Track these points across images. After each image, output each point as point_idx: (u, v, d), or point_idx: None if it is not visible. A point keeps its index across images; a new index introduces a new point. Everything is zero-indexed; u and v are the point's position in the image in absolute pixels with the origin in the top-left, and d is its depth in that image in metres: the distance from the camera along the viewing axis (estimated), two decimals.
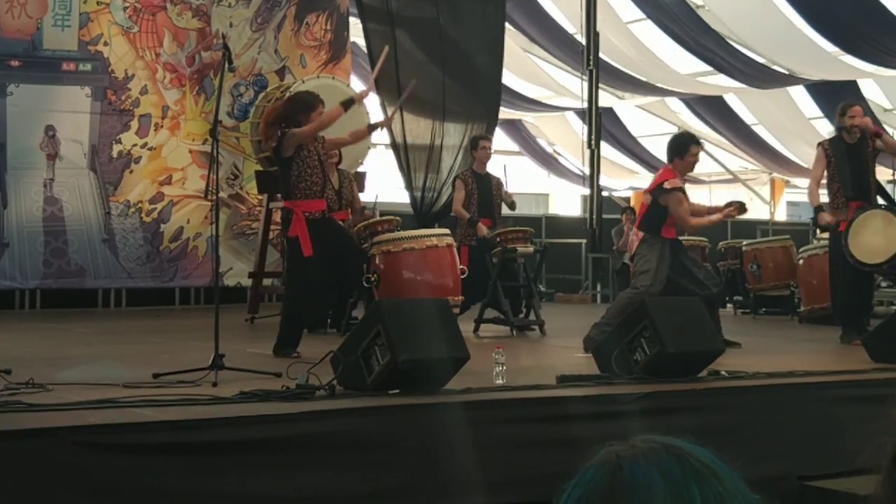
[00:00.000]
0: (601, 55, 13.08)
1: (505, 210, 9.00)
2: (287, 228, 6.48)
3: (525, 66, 17.08)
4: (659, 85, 16.42)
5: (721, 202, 20.26)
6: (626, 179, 21.06)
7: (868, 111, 11.85)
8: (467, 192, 8.73)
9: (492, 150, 9.11)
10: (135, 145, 10.73)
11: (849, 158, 7.55)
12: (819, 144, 7.87)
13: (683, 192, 7.08)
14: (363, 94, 7.11)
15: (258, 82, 11.38)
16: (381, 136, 10.57)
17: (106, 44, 10.62)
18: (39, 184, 10.28)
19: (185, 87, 11.03)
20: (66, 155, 10.39)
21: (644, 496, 1.02)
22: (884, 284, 9.76)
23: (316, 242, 6.30)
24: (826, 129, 16.41)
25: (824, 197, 7.81)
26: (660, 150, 19.74)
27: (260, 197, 10.89)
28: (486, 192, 8.77)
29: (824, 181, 7.79)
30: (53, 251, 10.29)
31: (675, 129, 19.28)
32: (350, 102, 6.66)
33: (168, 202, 10.87)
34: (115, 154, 10.64)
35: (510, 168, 9.51)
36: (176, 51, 10.99)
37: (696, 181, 21.10)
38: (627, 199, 17.44)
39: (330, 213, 6.81)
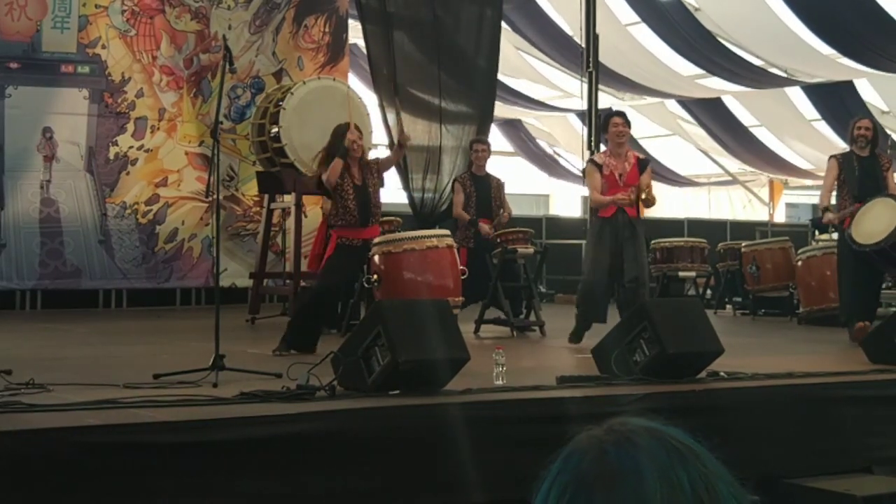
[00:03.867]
0: (600, 58, 13.08)
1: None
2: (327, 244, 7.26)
3: (525, 68, 17.09)
4: (657, 88, 16.43)
5: (720, 203, 20.32)
6: None
7: (867, 113, 11.87)
8: (466, 195, 8.77)
9: (488, 152, 9.14)
10: (131, 147, 10.73)
11: (860, 167, 7.70)
12: (832, 157, 8.04)
13: (599, 166, 7.40)
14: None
15: (255, 84, 11.39)
16: (379, 137, 10.58)
17: (104, 47, 10.62)
18: (36, 185, 10.28)
19: (182, 90, 11.03)
20: (64, 157, 10.39)
21: (634, 482, 1.02)
22: (883, 286, 9.77)
23: (344, 266, 6.86)
24: (824, 130, 16.46)
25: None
26: (661, 152, 19.81)
27: (256, 198, 10.92)
28: (485, 193, 8.81)
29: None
30: (50, 252, 10.30)
31: (675, 131, 19.32)
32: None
33: (164, 204, 10.87)
34: (111, 156, 10.65)
35: (509, 183, 9.51)
36: (173, 53, 11.00)
37: (695, 183, 21.14)
38: None
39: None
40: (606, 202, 7.30)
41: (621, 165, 7.41)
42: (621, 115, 7.75)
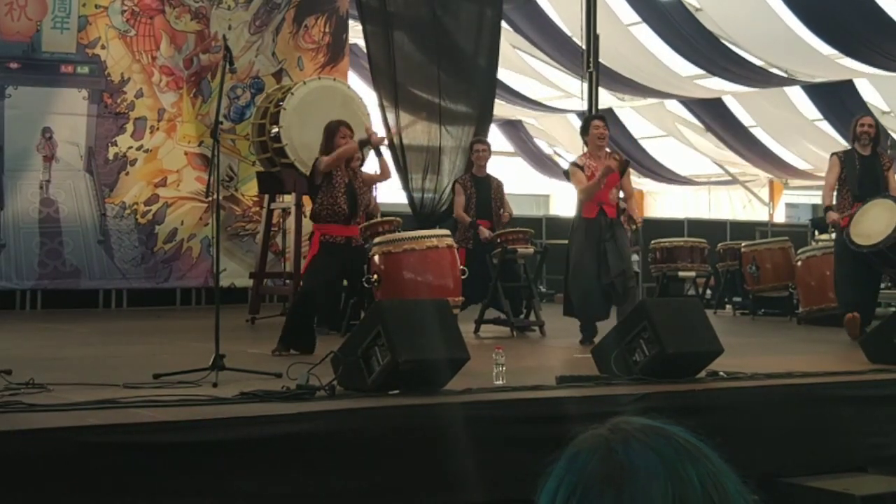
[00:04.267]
0: (600, 58, 13.10)
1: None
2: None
3: (525, 68, 17.10)
4: (658, 88, 16.44)
5: (720, 203, 20.38)
6: None
7: (866, 114, 11.87)
8: (467, 196, 8.77)
9: (489, 152, 9.13)
10: (130, 148, 10.75)
11: (861, 166, 7.69)
12: (833, 154, 8.05)
13: (581, 168, 7.56)
14: (378, 140, 7.39)
15: (255, 85, 11.39)
16: None
17: (103, 47, 10.63)
18: (36, 185, 10.30)
19: (181, 90, 11.04)
20: (63, 157, 10.41)
21: (644, 480, 1.01)
22: (882, 286, 9.77)
23: (328, 266, 6.82)
24: (824, 130, 16.47)
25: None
26: (661, 152, 19.82)
27: (255, 199, 10.94)
28: (485, 194, 8.81)
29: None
30: (49, 252, 10.31)
31: (674, 132, 19.33)
32: (365, 143, 7.12)
33: (163, 204, 10.88)
34: (110, 156, 10.66)
35: (509, 183, 9.54)
36: (173, 54, 11.00)
37: (695, 183, 21.15)
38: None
39: (356, 243, 7.15)
40: (595, 182, 7.31)
41: (602, 167, 7.51)
42: (601, 118, 7.95)
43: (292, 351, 6.28)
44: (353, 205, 6.94)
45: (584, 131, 7.79)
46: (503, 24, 12.12)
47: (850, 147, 8.01)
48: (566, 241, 14.68)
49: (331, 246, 6.82)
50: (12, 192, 10.19)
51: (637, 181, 20.98)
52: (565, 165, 20.64)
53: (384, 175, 7.59)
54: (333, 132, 7.00)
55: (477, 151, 9.03)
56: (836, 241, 7.96)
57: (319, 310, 7.03)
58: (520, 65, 16.80)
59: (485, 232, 8.55)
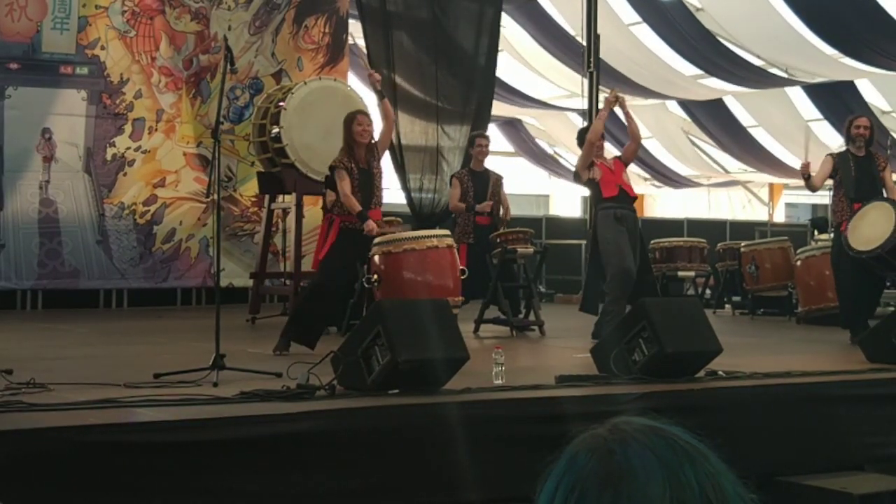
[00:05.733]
0: (601, 57, 13.10)
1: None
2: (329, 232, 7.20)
3: (526, 67, 17.11)
4: (658, 89, 16.44)
5: (719, 204, 20.42)
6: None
7: (867, 113, 11.87)
8: (464, 190, 8.80)
9: (488, 148, 9.14)
10: (128, 148, 10.75)
11: (856, 167, 7.64)
12: (828, 154, 8.03)
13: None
14: (377, 79, 7.50)
15: (254, 86, 11.39)
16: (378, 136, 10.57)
17: (103, 48, 10.63)
18: (35, 185, 10.30)
19: (181, 91, 11.04)
20: (62, 157, 10.41)
21: (643, 481, 1.02)
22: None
23: (346, 252, 6.85)
24: (825, 131, 16.47)
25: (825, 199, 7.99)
26: (661, 153, 19.83)
27: (253, 199, 10.94)
28: (483, 189, 8.83)
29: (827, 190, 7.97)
30: (48, 252, 10.32)
31: (676, 132, 19.35)
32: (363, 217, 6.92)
33: (161, 204, 10.89)
34: (109, 157, 10.66)
35: (509, 183, 9.55)
36: (172, 54, 11.00)
37: (695, 184, 21.15)
38: None
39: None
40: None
41: (607, 162, 7.86)
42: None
43: (293, 346, 6.28)
44: (368, 192, 6.92)
45: (582, 143, 7.95)
46: (504, 22, 12.12)
47: (844, 148, 7.95)
48: (566, 241, 14.68)
49: (350, 232, 6.83)
50: (12, 193, 10.19)
51: (637, 181, 21.01)
52: (566, 164, 20.76)
53: (389, 120, 7.45)
54: (350, 122, 7.00)
55: (479, 146, 9.03)
56: (835, 245, 7.87)
57: (332, 306, 6.99)
58: (521, 64, 16.81)
59: (486, 206, 8.59)
